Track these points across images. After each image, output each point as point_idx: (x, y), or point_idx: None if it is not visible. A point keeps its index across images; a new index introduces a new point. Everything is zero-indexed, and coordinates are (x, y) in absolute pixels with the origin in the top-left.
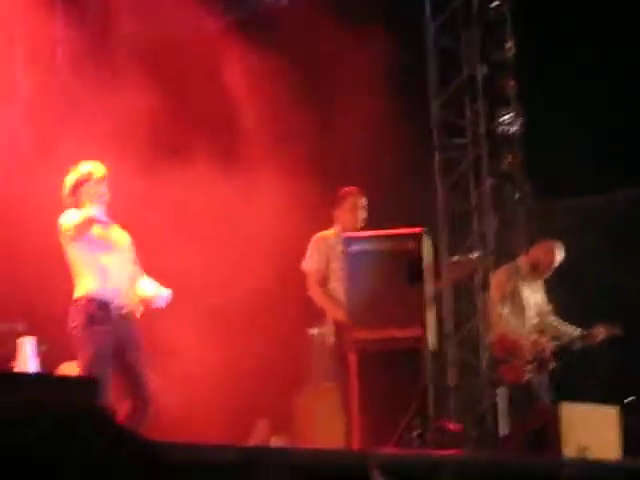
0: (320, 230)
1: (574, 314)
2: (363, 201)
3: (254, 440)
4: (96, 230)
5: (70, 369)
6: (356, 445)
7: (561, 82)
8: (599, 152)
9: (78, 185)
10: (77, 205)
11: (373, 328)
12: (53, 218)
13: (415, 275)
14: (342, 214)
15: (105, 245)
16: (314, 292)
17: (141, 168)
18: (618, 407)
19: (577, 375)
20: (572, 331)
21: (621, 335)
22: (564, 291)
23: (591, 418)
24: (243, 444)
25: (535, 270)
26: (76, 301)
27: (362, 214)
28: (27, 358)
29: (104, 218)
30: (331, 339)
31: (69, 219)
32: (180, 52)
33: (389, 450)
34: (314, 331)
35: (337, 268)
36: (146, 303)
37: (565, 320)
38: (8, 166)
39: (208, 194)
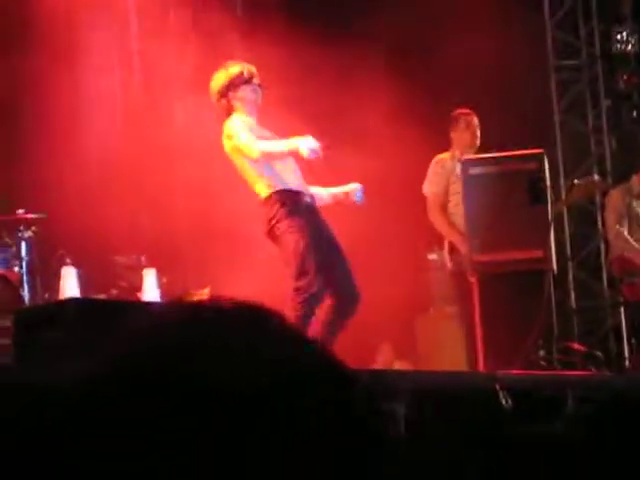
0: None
1: None
2: (476, 121)
3: (378, 364)
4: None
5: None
6: (479, 368)
7: None
8: None
9: (230, 87)
10: (229, 111)
11: (493, 250)
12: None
13: (537, 195)
14: (457, 135)
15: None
16: (433, 216)
17: None
18: None
19: None
20: None
21: None
22: None
23: None
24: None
25: None
26: (267, 199)
27: (476, 133)
28: (151, 289)
29: (264, 131)
30: (449, 264)
31: (244, 136)
32: None
33: (515, 372)
34: (433, 256)
35: (456, 192)
36: (339, 200)
37: None
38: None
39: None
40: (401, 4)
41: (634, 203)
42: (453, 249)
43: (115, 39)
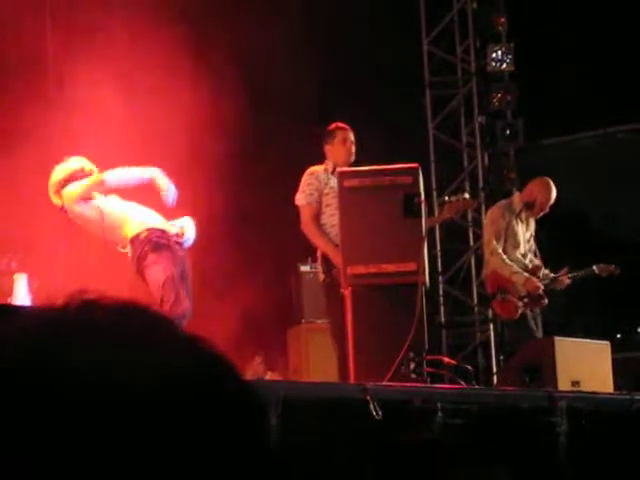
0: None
1: (559, 254)
2: (352, 136)
3: (249, 376)
4: None
5: None
6: (351, 380)
7: (553, 18)
8: (590, 88)
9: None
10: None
11: (367, 263)
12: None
13: (411, 209)
14: (332, 149)
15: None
16: (307, 227)
17: None
18: (609, 342)
19: (565, 312)
20: (548, 273)
21: (619, 274)
22: (552, 230)
23: (584, 352)
24: None
25: (530, 207)
26: (135, 237)
27: (352, 148)
28: (22, 294)
29: None
30: (322, 275)
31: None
32: None
33: (385, 383)
34: (306, 267)
35: (329, 203)
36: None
37: (549, 261)
38: None
39: None
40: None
41: (514, 221)
42: (326, 261)
43: None
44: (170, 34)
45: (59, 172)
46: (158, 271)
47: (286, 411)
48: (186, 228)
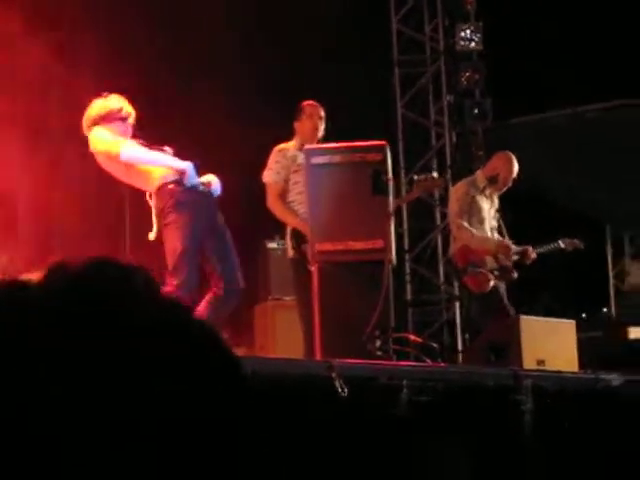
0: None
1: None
2: (321, 112)
3: None
4: None
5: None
6: (317, 357)
7: None
8: (558, 67)
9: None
10: None
11: (334, 240)
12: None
13: (379, 186)
14: (301, 126)
15: None
16: (273, 204)
17: None
18: (575, 321)
19: (531, 290)
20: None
21: (583, 249)
22: (516, 207)
23: (549, 331)
24: None
25: (493, 182)
26: (162, 186)
27: (321, 125)
28: None
29: None
30: (291, 252)
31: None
32: None
33: (351, 360)
34: (273, 244)
35: (297, 180)
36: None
37: (514, 237)
38: None
39: None
40: None
41: (478, 197)
42: (295, 237)
43: None
44: None
45: (96, 107)
46: (177, 237)
47: (252, 387)
48: (212, 180)
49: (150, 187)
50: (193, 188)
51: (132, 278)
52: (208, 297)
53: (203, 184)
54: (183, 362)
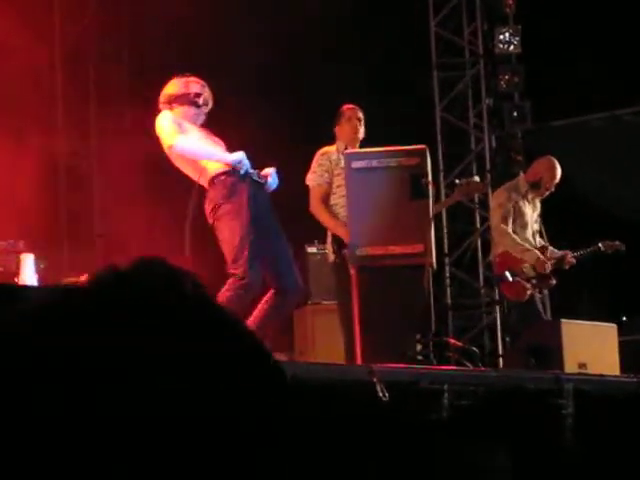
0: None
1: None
2: (360, 115)
3: None
4: None
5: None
6: (357, 362)
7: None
8: (598, 70)
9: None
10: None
11: (375, 244)
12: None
13: (419, 190)
14: (340, 128)
15: None
16: (316, 208)
17: None
18: (616, 325)
19: (571, 294)
20: (554, 252)
21: (624, 251)
22: (559, 212)
23: (591, 335)
24: None
25: (535, 187)
26: (216, 176)
27: (360, 128)
28: (29, 274)
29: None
30: (332, 256)
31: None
32: None
33: (392, 365)
34: (312, 249)
35: (340, 184)
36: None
37: (555, 242)
38: None
39: None
40: None
41: (521, 202)
42: (336, 241)
43: None
44: None
45: (173, 86)
46: (232, 227)
47: (292, 393)
48: (271, 172)
49: (204, 180)
50: (247, 177)
51: (179, 278)
52: (266, 297)
53: (259, 174)
54: (218, 365)
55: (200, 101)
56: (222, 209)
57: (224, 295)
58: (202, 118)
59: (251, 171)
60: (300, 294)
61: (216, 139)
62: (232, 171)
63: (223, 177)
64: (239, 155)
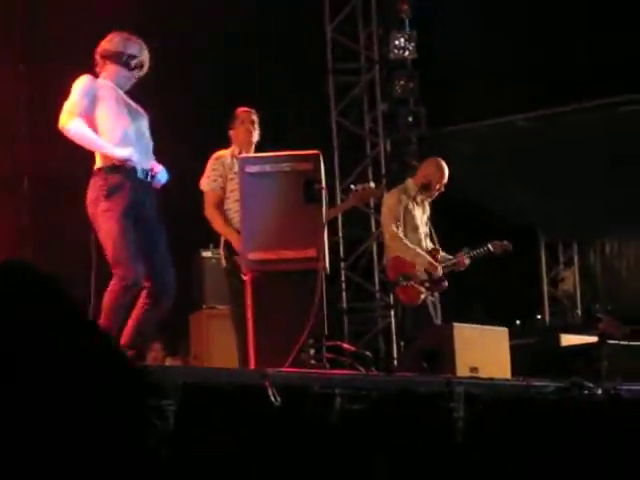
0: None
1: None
2: (254, 118)
3: (148, 362)
4: None
5: None
6: (251, 366)
7: (457, 5)
8: (494, 78)
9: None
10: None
11: (267, 249)
12: None
13: (312, 195)
14: (235, 132)
15: None
16: (209, 213)
17: None
18: (507, 328)
19: (461, 297)
20: (445, 256)
21: (511, 251)
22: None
23: (482, 339)
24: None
25: (426, 189)
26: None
27: (254, 131)
28: None
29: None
30: (224, 262)
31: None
32: None
33: (285, 369)
34: (207, 253)
35: (234, 188)
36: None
37: (444, 244)
38: None
39: None
40: None
41: (410, 205)
42: (228, 247)
43: None
44: None
45: (110, 40)
46: (110, 226)
47: (186, 397)
48: (157, 168)
49: (95, 162)
50: (133, 174)
51: (41, 280)
52: (141, 298)
53: (148, 172)
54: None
55: (133, 63)
56: (101, 206)
57: (107, 295)
58: (132, 82)
59: (139, 168)
60: (171, 297)
61: (137, 107)
62: (118, 167)
63: (108, 172)
64: (128, 152)
